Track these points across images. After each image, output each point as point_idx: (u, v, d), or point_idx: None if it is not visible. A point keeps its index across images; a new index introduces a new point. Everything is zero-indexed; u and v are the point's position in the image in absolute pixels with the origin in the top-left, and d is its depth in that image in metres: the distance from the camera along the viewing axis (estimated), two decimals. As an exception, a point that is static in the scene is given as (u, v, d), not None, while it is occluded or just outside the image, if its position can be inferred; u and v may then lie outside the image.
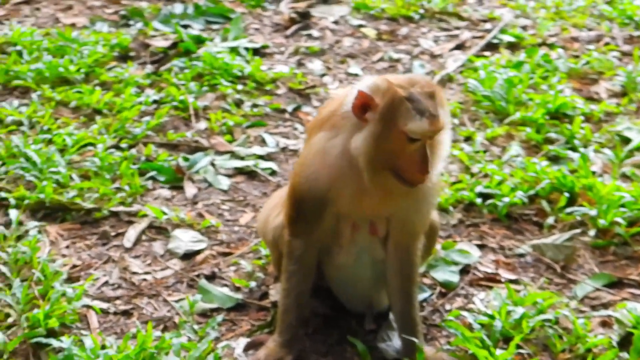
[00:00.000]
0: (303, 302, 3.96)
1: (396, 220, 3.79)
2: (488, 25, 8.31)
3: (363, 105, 3.46)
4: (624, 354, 3.98)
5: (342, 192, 3.65)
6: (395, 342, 4.04)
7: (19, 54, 7.03)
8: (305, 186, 3.70)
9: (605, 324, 4.29)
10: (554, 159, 5.75)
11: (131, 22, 8.01)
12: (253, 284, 4.47)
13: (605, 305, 4.43)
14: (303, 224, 3.79)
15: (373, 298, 4.13)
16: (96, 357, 3.76)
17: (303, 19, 8.25)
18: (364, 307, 4.17)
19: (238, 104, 6.43)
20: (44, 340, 3.91)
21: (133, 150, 5.65)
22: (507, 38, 7.92)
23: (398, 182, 3.50)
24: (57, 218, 5.00)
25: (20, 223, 4.84)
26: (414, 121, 3.38)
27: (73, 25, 7.93)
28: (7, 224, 4.83)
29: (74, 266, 4.61)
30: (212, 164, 5.56)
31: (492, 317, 4.14)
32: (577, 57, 7.53)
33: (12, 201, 5.02)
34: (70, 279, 4.47)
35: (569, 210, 5.10)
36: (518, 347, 3.98)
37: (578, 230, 4.95)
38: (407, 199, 3.68)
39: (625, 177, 5.59)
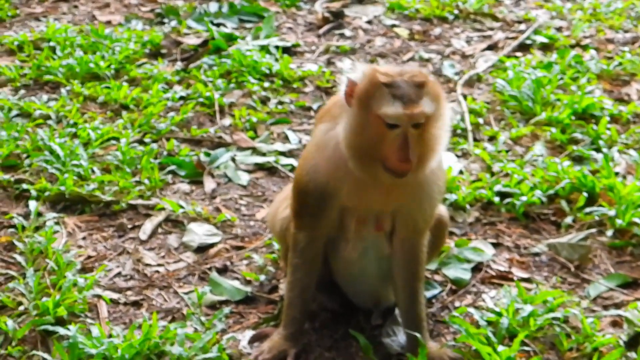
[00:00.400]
0: (308, 296, 3.96)
1: (400, 215, 3.78)
2: (522, 27, 8.26)
3: (351, 92, 3.47)
4: (632, 354, 3.93)
5: (341, 185, 3.65)
6: (400, 337, 4.04)
7: (52, 50, 7.15)
8: (306, 179, 3.71)
9: (615, 323, 4.24)
10: (578, 160, 5.71)
11: (166, 20, 8.09)
12: (263, 277, 4.49)
13: (618, 306, 4.38)
14: (307, 217, 3.80)
15: (379, 294, 4.12)
16: (101, 345, 3.81)
17: (336, 18, 8.27)
18: (370, 303, 4.17)
19: (264, 101, 6.46)
20: (51, 328, 3.96)
21: (156, 145, 5.69)
22: (540, 39, 7.86)
23: (386, 173, 3.48)
24: (76, 210, 5.07)
25: (39, 214, 4.91)
26: (388, 105, 3.37)
27: (109, 22, 8.03)
28: (27, 215, 4.91)
29: (89, 257, 4.67)
30: (233, 160, 5.60)
31: (499, 314, 4.12)
32: (610, 58, 7.45)
33: (33, 193, 5.09)
34: (84, 270, 4.53)
35: (588, 210, 5.06)
36: (524, 344, 3.97)
37: (593, 230, 4.91)
38: (405, 193, 3.67)
39: (649, 178, 5.51)
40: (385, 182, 3.54)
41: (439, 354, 3.89)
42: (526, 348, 3.99)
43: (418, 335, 3.82)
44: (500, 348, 3.80)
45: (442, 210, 4.20)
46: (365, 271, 3.96)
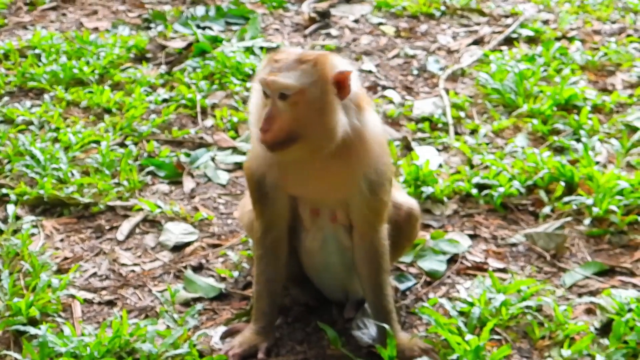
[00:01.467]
0: (274, 288, 3.98)
1: (349, 206, 3.79)
2: (509, 21, 8.25)
3: None
4: (605, 341, 3.93)
5: (273, 171, 3.71)
6: (371, 329, 4.04)
7: (38, 57, 7.18)
8: (248, 167, 3.83)
9: (590, 311, 4.24)
10: (560, 150, 5.71)
11: (152, 25, 8.11)
12: (237, 274, 4.51)
13: (593, 293, 4.37)
14: (257, 205, 3.85)
15: (347, 286, 4.13)
16: (71, 343, 3.83)
17: (323, 18, 8.28)
18: (340, 295, 4.18)
19: (246, 101, 6.46)
20: (23, 328, 3.99)
21: (137, 148, 5.72)
22: (526, 32, 7.85)
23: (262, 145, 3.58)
24: (55, 213, 5.10)
25: (17, 218, 4.94)
26: (263, 72, 3.52)
27: (96, 29, 8.06)
28: (5, 219, 4.94)
29: (65, 258, 4.69)
30: (213, 159, 5.62)
31: (471, 304, 4.12)
32: (596, 49, 7.44)
33: (13, 197, 5.12)
34: (60, 271, 4.56)
35: (566, 199, 5.06)
36: (495, 333, 3.99)
37: (569, 219, 4.90)
38: (337, 180, 3.70)
39: (630, 166, 5.51)
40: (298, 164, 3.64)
41: (409, 345, 3.88)
42: (497, 337, 3.99)
43: (387, 326, 3.82)
44: (469, 337, 3.80)
45: (412, 202, 4.22)
46: (328, 262, 3.98)
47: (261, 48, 7.36)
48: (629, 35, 7.83)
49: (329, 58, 3.56)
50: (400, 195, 4.20)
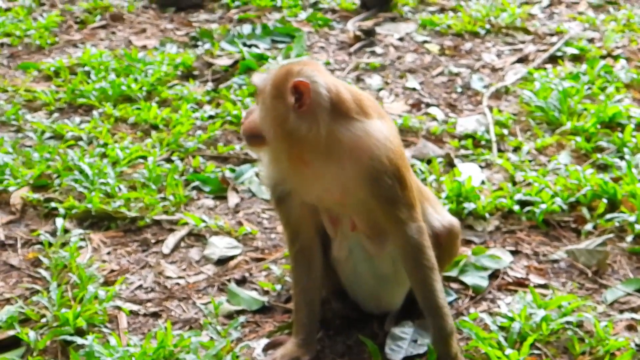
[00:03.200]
0: (311, 299, 4.04)
1: (369, 211, 3.84)
2: (554, 39, 8.26)
3: None
4: (645, 357, 3.94)
5: (283, 178, 3.84)
6: (404, 344, 4.06)
7: (87, 74, 7.33)
8: (264, 176, 4.03)
9: (631, 327, 4.24)
10: (603, 168, 5.71)
11: (199, 43, 8.23)
12: (280, 287, 4.57)
13: (635, 310, 4.37)
14: (280, 213, 3.98)
15: (380, 296, 4.18)
16: (117, 353, 3.91)
17: (368, 36, 8.35)
18: (374, 306, 4.22)
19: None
20: (70, 338, 4.08)
21: (183, 163, 5.81)
22: (571, 50, 7.85)
23: None
24: (102, 226, 5.20)
25: (66, 231, 5.05)
26: None
27: (144, 47, 8.20)
28: (54, 232, 5.05)
29: (112, 271, 4.78)
30: (257, 175, 5.69)
31: (512, 319, 4.14)
32: (641, 67, 7.43)
33: (62, 211, 5.23)
34: (107, 283, 4.65)
35: (608, 216, 5.06)
36: (535, 348, 4.00)
37: (611, 235, 4.90)
38: (334, 184, 3.76)
39: (674, 184, 5.49)
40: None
41: (456, 353, 3.91)
42: (537, 352, 4.01)
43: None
44: (509, 351, 3.83)
45: (453, 219, 4.26)
46: (357, 271, 4.06)
47: (306, 66, 7.43)
48: (675, 54, 7.81)
49: (295, 67, 3.68)
50: (441, 214, 4.23)
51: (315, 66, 3.75)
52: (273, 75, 3.70)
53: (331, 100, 3.66)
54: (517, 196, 5.27)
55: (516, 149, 6.05)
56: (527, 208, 5.19)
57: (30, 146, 6.07)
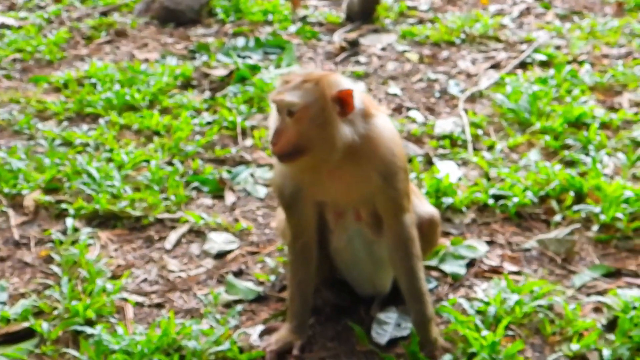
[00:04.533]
0: (306, 290, 4.03)
1: (370, 203, 3.84)
2: (524, 47, 8.29)
3: None
4: (611, 336, 3.95)
5: (297, 181, 3.78)
6: (389, 328, 4.06)
7: (94, 85, 7.31)
8: (275, 183, 3.93)
9: (597, 309, 4.25)
10: (570, 164, 5.73)
11: (197, 55, 8.23)
12: (274, 277, 4.57)
13: (601, 293, 4.38)
14: (288, 215, 3.90)
15: (375, 280, 4.18)
16: (124, 341, 3.90)
17: (352, 47, 8.36)
18: (370, 290, 4.22)
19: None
20: (81, 328, 4.08)
21: (183, 166, 5.81)
22: (539, 57, 7.88)
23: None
24: (109, 225, 5.18)
25: (75, 230, 5.04)
26: (274, 92, 3.62)
27: (146, 60, 8.19)
28: (64, 231, 5.04)
29: (119, 266, 4.77)
30: (252, 176, 5.69)
31: (488, 303, 4.15)
32: (604, 71, 7.45)
33: (71, 211, 5.22)
34: (114, 277, 4.64)
35: (575, 208, 5.08)
36: (509, 329, 4.01)
37: (578, 226, 4.92)
38: (352, 181, 3.75)
39: (636, 178, 5.52)
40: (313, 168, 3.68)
41: (435, 337, 3.91)
42: (511, 333, 4.02)
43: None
44: (485, 333, 3.83)
45: (433, 210, 4.27)
46: (356, 258, 4.03)
47: (296, 74, 7.43)
48: (635, 58, 7.83)
49: (330, 78, 3.62)
50: (423, 205, 4.24)
51: (340, 75, 3.74)
52: (312, 89, 3.54)
53: (361, 104, 3.67)
54: (492, 191, 5.28)
55: (490, 148, 6.06)
56: (501, 202, 5.20)
57: (41, 153, 6.05)
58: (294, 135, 3.56)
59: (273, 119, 3.69)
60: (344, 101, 3.57)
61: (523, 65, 7.77)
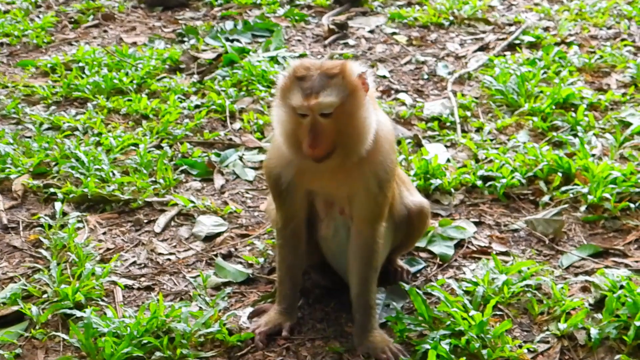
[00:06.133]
0: (295, 274, 4.03)
1: (354, 201, 3.80)
2: (512, 28, 8.29)
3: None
4: (599, 315, 3.96)
5: (290, 170, 3.73)
6: (377, 309, 4.05)
7: (82, 69, 7.28)
8: (267, 167, 3.87)
9: (585, 289, 4.27)
10: (558, 145, 5.75)
11: (186, 39, 8.20)
12: (263, 260, 4.58)
13: (589, 273, 4.40)
14: (277, 200, 3.89)
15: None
16: (113, 324, 3.90)
17: (341, 29, 8.34)
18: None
19: (271, 106, 6.53)
20: (70, 311, 4.08)
21: (172, 149, 5.80)
22: (528, 39, 7.89)
23: (306, 159, 3.55)
24: (98, 209, 5.18)
25: (64, 214, 5.03)
26: (295, 96, 3.47)
27: (134, 43, 8.16)
28: (53, 216, 5.03)
29: (108, 249, 4.77)
30: (241, 158, 5.70)
31: (476, 284, 4.16)
32: (592, 53, 7.46)
33: (60, 195, 5.22)
34: (103, 260, 4.64)
35: (563, 189, 5.09)
36: (497, 309, 4.03)
37: (566, 206, 4.94)
38: (349, 177, 3.70)
39: (623, 158, 5.54)
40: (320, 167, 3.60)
41: (382, 344, 3.82)
42: (499, 313, 4.04)
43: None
44: (473, 313, 3.85)
45: (424, 201, 4.27)
46: (341, 248, 4.01)
47: (284, 58, 7.42)
48: (623, 40, 7.85)
49: (348, 66, 3.55)
50: (413, 195, 4.24)
51: (351, 60, 3.70)
52: (342, 83, 3.47)
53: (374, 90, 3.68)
54: (480, 172, 5.30)
55: (478, 130, 6.07)
56: (489, 183, 5.21)
57: (29, 137, 6.04)
58: (333, 135, 3.50)
59: (283, 120, 3.57)
60: (364, 84, 3.56)
61: (511, 47, 7.77)
